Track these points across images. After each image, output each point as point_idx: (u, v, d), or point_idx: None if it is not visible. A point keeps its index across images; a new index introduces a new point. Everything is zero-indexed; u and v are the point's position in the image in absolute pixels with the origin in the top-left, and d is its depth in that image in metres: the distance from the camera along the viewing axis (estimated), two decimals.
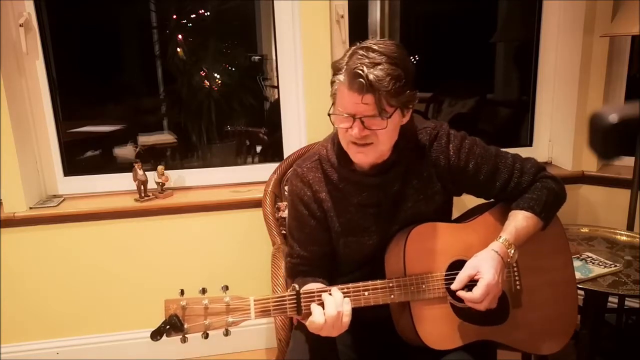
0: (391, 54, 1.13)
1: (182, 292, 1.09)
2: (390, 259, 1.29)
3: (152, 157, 2.43)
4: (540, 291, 1.34)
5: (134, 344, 2.23)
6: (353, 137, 1.17)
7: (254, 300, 1.11)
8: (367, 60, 1.11)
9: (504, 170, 1.31)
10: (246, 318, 1.10)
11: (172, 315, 1.06)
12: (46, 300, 2.16)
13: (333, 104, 1.21)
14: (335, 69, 1.17)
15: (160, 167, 2.16)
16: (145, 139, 2.51)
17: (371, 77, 1.10)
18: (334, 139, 1.32)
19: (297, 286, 1.16)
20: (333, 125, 1.22)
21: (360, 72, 1.10)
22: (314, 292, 1.16)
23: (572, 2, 2.23)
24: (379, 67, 1.11)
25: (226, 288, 1.10)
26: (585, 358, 1.68)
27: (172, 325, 1.06)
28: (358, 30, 2.41)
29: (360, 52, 1.13)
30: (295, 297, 1.14)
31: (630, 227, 2.04)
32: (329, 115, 1.21)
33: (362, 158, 1.23)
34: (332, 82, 1.19)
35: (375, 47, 1.13)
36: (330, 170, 1.32)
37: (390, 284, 1.21)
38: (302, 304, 1.15)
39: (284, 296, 1.14)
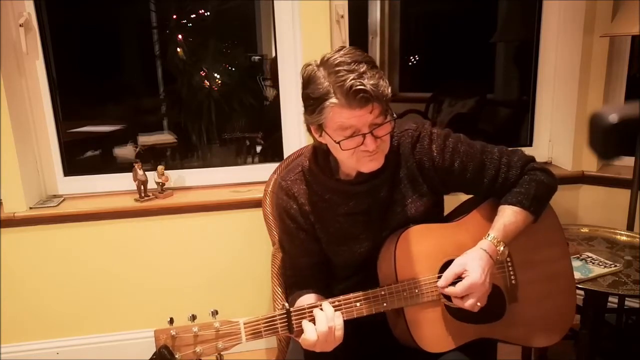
0: (365, 60, 1.12)
1: (171, 321, 1.08)
2: (381, 264, 1.28)
3: (152, 157, 2.43)
4: (537, 284, 1.33)
5: (134, 344, 2.23)
6: (366, 152, 1.16)
7: (244, 324, 1.10)
8: (354, 74, 1.09)
9: (490, 166, 1.30)
10: (237, 342, 1.10)
11: (162, 347, 1.05)
12: (46, 300, 2.16)
13: (318, 130, 1.19)
14: (319, 96, 1.12)
15: (160, 167, 2.16)
16: (145, 139, 2.51)
17: (369, 87, 1.08)
18: (316, 149, 1.30)
19: (287, 304, 1.16)
20: (337, 150, 1.18)
21: (359, 87, 1.07)
22: (304, 309, 1.15)
23: (572, 2, 2.23)
24: (368, 74, 1.10)
25: (215, 312, 1.09)
26: (585, 358, 1.68)
27: (163, 358, 1.05)
28: (358, 30, 2.41)
29: (338, 68, 1.10)
30: (285, 316, 1.14)
31: (630, 227, 2.04)
32: (337, 143, 1.15)
33: (376, 165, 1.20)
34: (320, 109, 1.12)
35: (346, 58, 1.11)
36: (314, 182, 1.31)
37: (382, 292, 1.20)
38: (294, 322, 1.14)
39: (274, 316, 1.14)
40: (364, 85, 1.08)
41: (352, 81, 1.08)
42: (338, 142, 1.15)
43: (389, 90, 1.13)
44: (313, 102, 1.14)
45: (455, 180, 1.31)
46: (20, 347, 2.20)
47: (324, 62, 1.14)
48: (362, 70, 1.10)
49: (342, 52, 1.14)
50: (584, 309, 1.66)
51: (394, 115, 1.18)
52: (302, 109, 1.21)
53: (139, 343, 2.21)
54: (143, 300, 2.20)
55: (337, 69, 1.10)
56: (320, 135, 1.20)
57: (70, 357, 2.22)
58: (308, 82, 1.16)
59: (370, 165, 1.20)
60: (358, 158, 1.18)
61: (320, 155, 1.30)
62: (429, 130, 1.30)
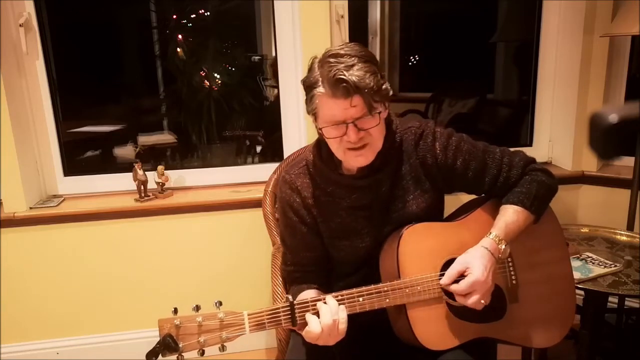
0: (359, 54, 1.15)
1: (175, 311, 1.08)
2: (384, 261, 1.29)
3: (152, 157, 2.43)
4: (537, 286, 1.33)
5: (134, 344, 2.23)
6: (350, 144, 1.18)
7: (248, 315, 1.11)
8: (341, 65, 1.12)
9: (492, 165, 1.31)
10: (241, 333, 1.11)
11: (166, 335, 1.06)
12: (46, 300, 2.16)
13: (315, 119, 1.23)
14: (310, 84, 1.18)
15: (160, 167, 2.16)
16: (145, 139, 2.51)
17: (353, 78, 1.11)
18: (320, 143, 1.32)
19: (290, 297, 1.16)
20: (325, 139, 1.22)
21: (342, 77, 1.11)
22: (308, 302, 1.15)
23: (572, 2, 2.23)
24: (355, 67, 1.12)
25: (220, 303, 1.10)
26: (585, 358, 1.68)
27: (166, 346, 1.05)
28: (358, 30, 2.41)
29: (330, 59, 1.14)
30: (289, 308, 1.14)
31: (630, 227, 2.04)
32: (319, 130, 1.21)
33: (363, 161, 1.22)
34: (311, 98, 1.18)
35: (341, 51, 1.15)
36: (318, 175, 1.32)
37: (385, 288, 1.21)
38: (297, 315, 1.14)
39: (278, 308, 1.14)
40: (345, 76, 1.11)
41: (336, 71, 1.11)
42: (321, 129, 1.19)
43: (378, 85, 1.15)
44: (306, 91, 1.20)
45: (457, 179, 1.32)
46: (20, 347, 2.20)
47: (323, 54, 1.18)
48: (350, 63, 1.13)
49: (343, 46, 1.18)
50: (584, 309, 1.66)
51: (387, 109, 1.21)
52: (303, 108, 1.24)
53: (139, 343, 2.21)
54: (143, 300, 2.20)
55: (329, 60, 1.15)
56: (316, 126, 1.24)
57: (70, 357, 2.22)
58: (307, 72, 1.20)
59: (358, 160, 1.22)
60: (344, 151, 1.21)
61: (324, 148, 1.31)
62: (432, 129, 1.32)
